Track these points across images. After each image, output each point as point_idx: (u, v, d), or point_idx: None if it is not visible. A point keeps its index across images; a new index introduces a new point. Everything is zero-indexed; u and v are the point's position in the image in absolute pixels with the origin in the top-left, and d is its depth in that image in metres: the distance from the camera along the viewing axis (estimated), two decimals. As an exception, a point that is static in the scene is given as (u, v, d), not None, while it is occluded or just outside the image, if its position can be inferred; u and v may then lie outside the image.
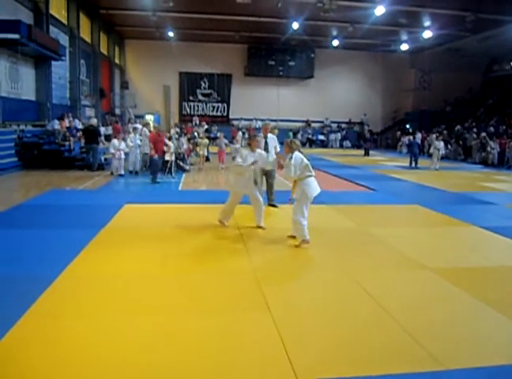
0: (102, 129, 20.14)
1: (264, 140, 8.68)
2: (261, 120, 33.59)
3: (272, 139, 8.89)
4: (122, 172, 13.49)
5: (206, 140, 17.04)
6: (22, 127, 15.65)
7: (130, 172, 13.99)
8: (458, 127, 26.99)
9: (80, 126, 17.28)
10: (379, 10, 21.64)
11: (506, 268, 5.57)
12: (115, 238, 6.37)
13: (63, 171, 14.03)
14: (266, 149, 8.54)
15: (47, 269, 4.91)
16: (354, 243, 6.49)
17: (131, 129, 15.55)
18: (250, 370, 3.11)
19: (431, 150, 18.23)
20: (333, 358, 3.28)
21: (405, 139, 28.30)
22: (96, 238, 6.26)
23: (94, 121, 15.42)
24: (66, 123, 16.64)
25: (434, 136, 25.87)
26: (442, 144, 18.40)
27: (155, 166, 12.23)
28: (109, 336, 3.50)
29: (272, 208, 8.88)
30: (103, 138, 16.76)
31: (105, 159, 15.56)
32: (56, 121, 16.06)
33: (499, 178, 15.52)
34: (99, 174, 13.80)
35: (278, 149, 8.85)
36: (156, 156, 12.05)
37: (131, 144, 13.84)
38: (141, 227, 7.13)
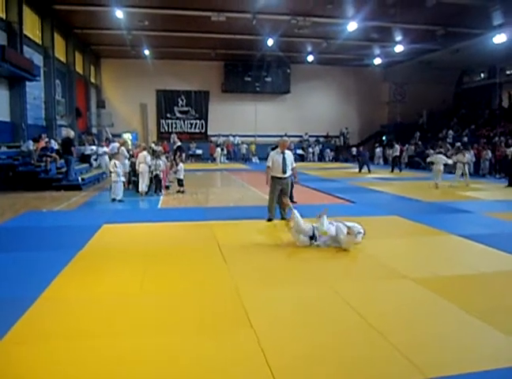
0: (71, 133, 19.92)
1: (282, 156, 8.88)
2: (240, 136, 33.90)
3: (289, 155, 9.09)
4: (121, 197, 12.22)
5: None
6: (-4, 149, 15.39)
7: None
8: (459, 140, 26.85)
9: (56, 147, 17.07)
10: (352, 26, 22.15)
11: (486, 275, 5.63)
12: (94, 258, 6.26)
13: (39, 192, 13.79)
14: (284, 164, 8.85)
15: (26, 292, 4.80)
16: (335, 255, 6.49)
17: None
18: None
19: (451, 160, 16.66)
20: (317, 373, 3.25)
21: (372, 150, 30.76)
22: (74, 259, 6.13)
23: (71, 134, 15.44)
24: (42, 144, 16.40)
25: (411, 147, 26.29)
26: (467, 156, 16.75)
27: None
28: (89, 357, 3.41)
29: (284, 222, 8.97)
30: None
31: (82, 179, 15.34)
32: (31, 142, 15.81)
33: (475, 187, 15.80)
34: (75, 194, 13.60)
35: (294, 165, 9.22)
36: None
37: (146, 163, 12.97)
38: (120, 246, 7.02)
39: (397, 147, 24.41)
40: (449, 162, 15.98)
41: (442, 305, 4.57)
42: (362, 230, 7.11)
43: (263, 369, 3.28)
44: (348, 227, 6.85)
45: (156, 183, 13.39)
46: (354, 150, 33.27)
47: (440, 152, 16.84)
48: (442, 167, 15.61)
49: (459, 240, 7.54)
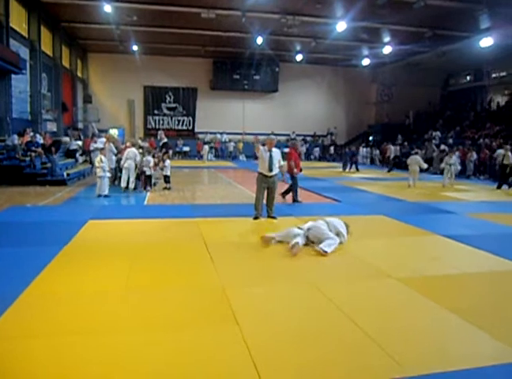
0: (66, 139, 19.85)
1: (268, 154, 8.93)
2: (227, 133, 33.85)
3: (277, 153, 9.12)
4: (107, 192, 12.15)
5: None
6: (-20, 142, 15.20)
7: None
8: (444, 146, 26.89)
9: (41, 141, 16.88)
10: (341, 26, 22.24)
11: (469, 275, 5.71)
12: (79, 255, 6.20)
13: (24, 187, 13.63)
14: (271, 163, 8.91)
15: (8, 288, 4.73)
16: (321, 254, 6.51)
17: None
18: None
19: (442, 165, 17.11)
20: (303, 370, 3.28)
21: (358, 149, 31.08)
22: (58, 255, 6.07)
23: (65, 139, 15.52)
24: (27, 138, 16.22)
25: (397, 147, 26.48)
26: (454, 158, 17.12)
27: (295, 185, 11.61)
28: (73, 355, 3.39)
29: (270, 220, 9.07)
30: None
31: (68, 175, 15.20)
32: (15, 136, 15.64)
33: (460, 188, 16.01)
34: (61, 189, 13.47)
35: (282, 163, 9.31)
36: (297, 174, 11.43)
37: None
38: (105, 243, 6.97)
39: (392, 148, 24.62)
40: (424, 166, 16.17)
41: (425, 305, 4.62)
42: (344, 230, 7.07)
43: (248, 365, 3.29)
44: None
45: (146, 180, 13.36)
46: (332, 149, 34.59)
47: (416, 153, 17.10)
48: (417, 168, 15.87)
49: (443, 240, 7.63)
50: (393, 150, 24.45)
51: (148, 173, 13.27)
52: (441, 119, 32.10)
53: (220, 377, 3.18)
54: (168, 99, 34.12)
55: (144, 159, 13.34)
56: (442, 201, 12.50)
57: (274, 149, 9.07)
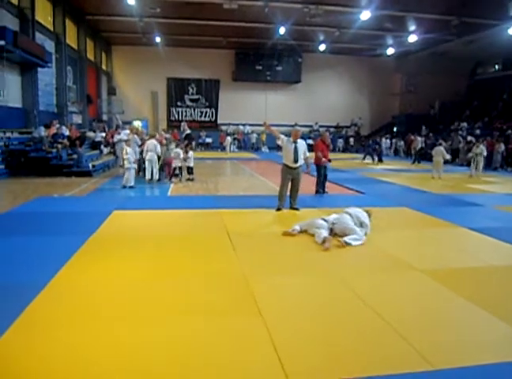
0: (92, 134, 20.14)
1: (294, 145, 8.91)
2: (250, 125, 33.77)
3: (302, 144, 9.10)
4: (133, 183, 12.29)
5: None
6: (8, 134, 15.51)
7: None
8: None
9: (67, 133, 17.17)
10: (365, 15, 21.89)
11: (494, 268, 5.62)
12: (105, 244, 6.32)
13: (51, 178, 13.92)
14: (296, 154, 8.88)
15: (36, 276, 4.85)
16: (344, 245, 6.47)
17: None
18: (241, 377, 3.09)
19: (470, 155, 17.18)
20: (325, 361, 3.28)
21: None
22: (85, 244, 6.20)
23: (90, 134, 15.82)
24: (53, 130, 16.51)
25: (422, 138, 26.06)
26: (481, 147, 16.86)
27: (320, 177, 11.59)
28: (102, 343, 3.46)
29: (293, 212, 9.06)
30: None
31: (93, 166, 15.44)
32: (42, 128, 15.93)
33: (487, 180, 15.69)
34: (86, 180, 13.70)
35: (307, 154, 9.24)
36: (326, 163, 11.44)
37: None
38: (130, 233, 7.08)
39: (419, 139, 24.26)
40: (446, 157, 15.84)
41: (449, 297, 4.57)
42: (367, 220, 7.02)
43: (271, 355, 3.32)
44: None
45: (173, 171, 13.61)
46: (351, 140, 34.58)
47: (440, 144, 16.83)
48: (441, 159, 15.56)
49: (468, 232, 7.51)
50: (419, 141, 24.05)
51: (176, 165, 13.45)
52: (468, 109, 31.39)
53: (244, 366, 3.21)
54: (191, 90, 34.25)
55: (175, 150, 13.52)
56: (468, 193, 12.28)
57: (299, 140, 9.04)
